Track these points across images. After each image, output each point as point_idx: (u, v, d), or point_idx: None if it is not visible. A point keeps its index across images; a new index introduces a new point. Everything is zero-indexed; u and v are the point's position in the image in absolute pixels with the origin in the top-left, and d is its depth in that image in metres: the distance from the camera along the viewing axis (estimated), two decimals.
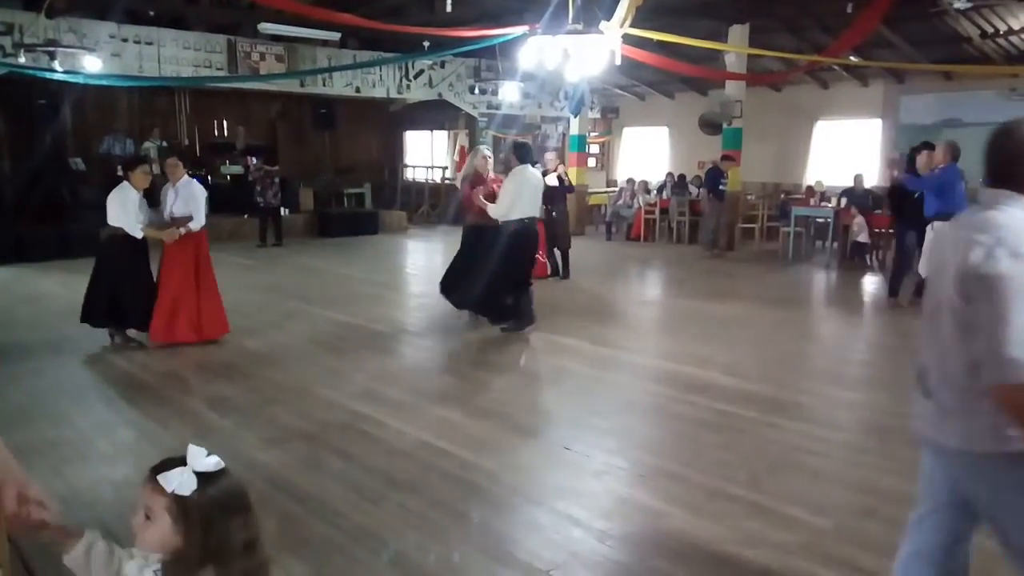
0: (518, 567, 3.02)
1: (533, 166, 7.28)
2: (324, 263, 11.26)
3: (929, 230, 7.36)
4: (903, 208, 8.35)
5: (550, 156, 10.79)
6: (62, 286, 9.19)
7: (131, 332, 6.46)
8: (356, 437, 4.40)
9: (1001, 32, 11.88)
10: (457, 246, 7.40)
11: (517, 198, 6.79)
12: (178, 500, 1.37)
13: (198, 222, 6.34)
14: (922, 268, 7.73)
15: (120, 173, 6.45)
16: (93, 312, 6.33)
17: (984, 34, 12.04)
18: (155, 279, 6.40)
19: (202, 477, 1.39)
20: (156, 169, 13.07)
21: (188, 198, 6.34)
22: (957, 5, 9.65)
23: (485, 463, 4.05)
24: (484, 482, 3.83)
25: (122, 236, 6.17)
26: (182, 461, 1.40)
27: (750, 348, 6.51)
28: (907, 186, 8.11)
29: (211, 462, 1.41)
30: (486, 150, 7.56)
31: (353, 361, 6.07)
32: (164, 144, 13.54)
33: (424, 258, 12.93)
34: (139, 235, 6.17)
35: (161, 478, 1.36)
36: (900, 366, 6.12)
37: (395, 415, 4.77)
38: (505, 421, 4.84)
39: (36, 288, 9.09)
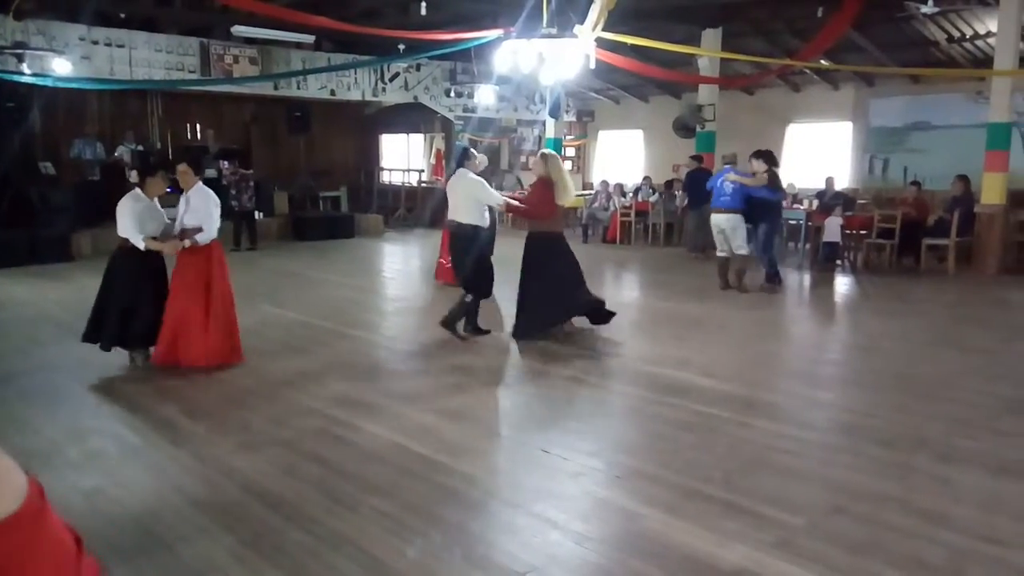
0: (495, 570, 3.02)
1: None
2: (299, 267, 11.18)
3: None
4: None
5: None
6: (31, 292, 9.05)
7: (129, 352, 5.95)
8: (331, 442, 4.37)
9: (967, 36, 12.12)
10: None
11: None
12: None
13: (207, 234, 5.71)
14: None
15: (134, 180, 6.02)
16: (102, 332, 5.72)
17: (951, 38, 12.28)
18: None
19: None
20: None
21: (198, 208, 5.73)
22: (924, 10, 9.82)
23: (461, 466, 4.05)
24: (460, 485, 3.83)
25: (129, 248, 5.64)
26: None
27: (725, 349, 6.57)
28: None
29: None
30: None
31: (327, 365, 6.03)
32: (139, 148, 13.37)
33: (401, 262, 12.89)
34: (141, 246, 5.58)
35: None
36: (871, 366, 6.22)
37: (370, 419, 4.75)
38: (481, 424, 4.85)
39: (3, 294, 8.92)
